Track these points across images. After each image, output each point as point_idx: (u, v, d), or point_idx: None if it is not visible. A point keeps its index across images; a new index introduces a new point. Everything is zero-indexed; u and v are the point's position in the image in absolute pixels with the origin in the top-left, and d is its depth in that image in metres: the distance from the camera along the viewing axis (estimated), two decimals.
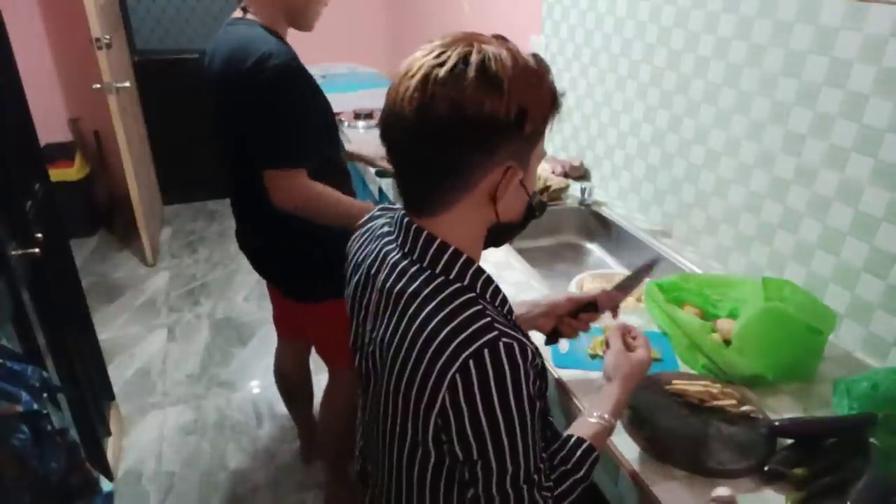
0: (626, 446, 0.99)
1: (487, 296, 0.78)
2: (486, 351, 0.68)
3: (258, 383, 2.57)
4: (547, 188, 1.91)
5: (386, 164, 1.91)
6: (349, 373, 1.73)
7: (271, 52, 1.30)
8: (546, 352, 1.18)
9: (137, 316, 3.01)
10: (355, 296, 0.87)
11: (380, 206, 0.95)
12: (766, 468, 0.93)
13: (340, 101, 1.53)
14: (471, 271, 0.77)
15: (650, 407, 1.05)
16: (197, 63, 3.96)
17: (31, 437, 1.08)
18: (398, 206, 0.94)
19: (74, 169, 3.54)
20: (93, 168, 3.82)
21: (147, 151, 3.87)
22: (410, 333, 0.73)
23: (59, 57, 3.66)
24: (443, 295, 0.73)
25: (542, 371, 0.75)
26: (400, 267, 0.78)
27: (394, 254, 0.80)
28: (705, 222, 1.60)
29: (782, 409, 1.07)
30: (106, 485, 1.33)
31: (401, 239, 0.80)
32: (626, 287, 1.10)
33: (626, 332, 0.99)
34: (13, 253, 1.46)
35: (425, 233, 0.77)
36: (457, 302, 0.72)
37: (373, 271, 0.83)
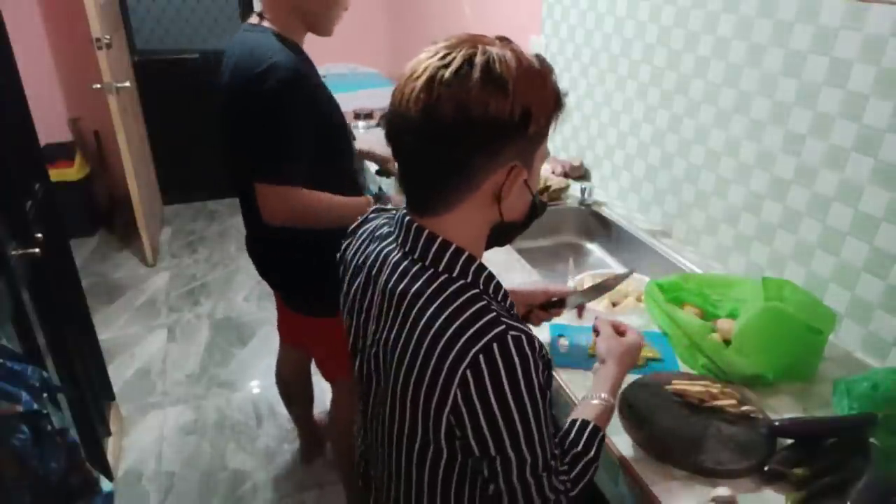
0: (626, 446, 1.00)
1: (490, 291, 0.78)
2: (495, 345, 0.69)
3: (258, 383, 2.57)
4: (547, 188, 1.91)
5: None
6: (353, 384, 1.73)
7: (277, 63, 1.27)
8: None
9: (137, 316, 3.01)
10: (355, 298, 0.87)
11: (373, 207, 0.95)
12: (766, 468, 0.93)
13: (340, 101, 1.52)
14: (473, 268, 0.77)
15: (650, 407, 1.05)
16: (196, 63, 3.97)
17: (31, 437, 1.08)
18: (391, 206, 0.94)
19: (74, 169, 3.54)
20: (93, 168, 3.82)
21: (147, 151, 3.87)
22: (416, 332, 0.73)
23: (59, 57, 3.66)
24: (447, 292, 0.74)
25: (548, 361, 0.77)
26: (402, 267, 0.78)
27: (395, 254, 0.80)
28: (705, 222, 1.60)
29: (782, 409, 1.07)
30: (106, 485, 1.33)
31: (401, 239, 0.80)
32: (594, 292, 1.16)
33: (614, 323, 1.03)
34: (13, 253, 1.46)
35: (427, 231, 0.77)
36: (462, 298, 0.73)
37: (374, 272, 0.83)
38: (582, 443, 0.84)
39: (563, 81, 2.13)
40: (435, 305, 0.73)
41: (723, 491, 0.88)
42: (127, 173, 3.15)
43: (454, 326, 0.71)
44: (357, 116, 2.86)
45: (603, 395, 0.90)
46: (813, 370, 1.15)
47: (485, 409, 0.70)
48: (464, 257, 0.77)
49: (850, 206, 1.21)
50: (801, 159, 1.30)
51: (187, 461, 2.17)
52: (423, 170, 0.75)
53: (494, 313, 0.72)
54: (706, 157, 1.56)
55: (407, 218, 0.79)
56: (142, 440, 2.26)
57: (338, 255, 0.96)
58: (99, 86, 2.92)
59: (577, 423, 0.86)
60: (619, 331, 1.02)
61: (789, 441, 0.97)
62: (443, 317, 0.72)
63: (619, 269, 1.75)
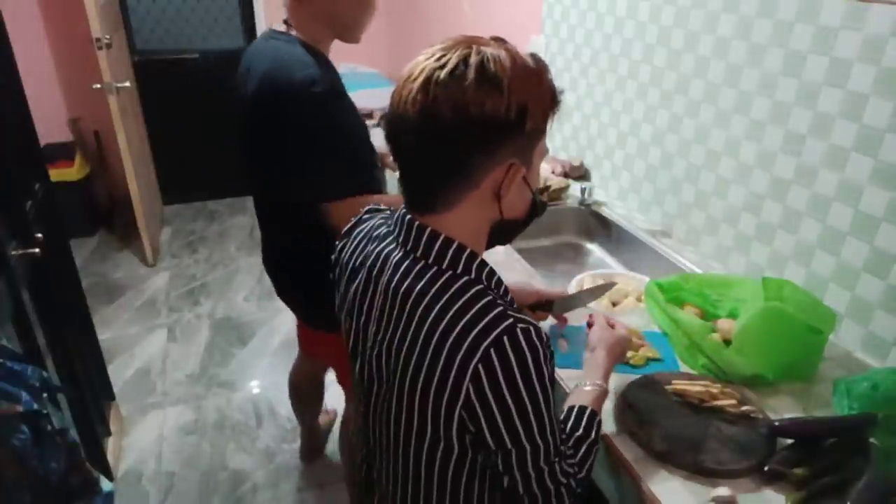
0: (626, 446, 1.00)
1: (493, 286, 0.79)
2: (505, 338, 0.70)
3: (258, 383, 2.57)
4: (547, 188, 1.91)
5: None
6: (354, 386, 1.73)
7: (313, 78, 1.23)
8: None
9: (137, 316, 3.01)
10: (354, 300, 0.87)
11: (367, 208, 0.96)
12: (766, 468, 0.93)
13: None
14: (475, 264, 0.78)
15: (650, 407, 1.05)
16: (196, 63, 3.97)
17: (31, 437, 1.08)
18: (384, 207, 0.94)
19: (74, 169, 3.54)
20: (93, 168, 3.81)
21: (147, 151, 3.87)
22: (423, 331, 0.74)
23: (59, 57, 3.66)
24: (452, 289, 0.74)
25: (552, 352, 0.78)
26: (404, 266, 0.78)
27: (395, 254, 0.80)
28: (705, 222, 1.60)
29: (782, 409, 1.07)
30: (106, 485, 1.33)
31: (402, 238, 0.80)
32: (579, 300, 1.19)
33: (607, 318, 1.08)
34: (13, 253, 1.46)
35: (429, 229, 0.78)
36: (468, 294, 0.74)
37: (374, 273, 0.83)
38: (583, 426, 0.87)
39: (563, 81, 2.14)
40: (441, 303, 0.74)
41: (723, 491, 0.88)
42: (127, 173, 3.15)
43: (462, 322, 0.71)
44: None
45: (597, 382, 0.94)
46: (813, 370, 1.15)
47: (498, 402, 0.71)
48: (466, 253, 0.77)
49: (850, 206, 1.21)
50: (801, 159, 1.30)
51: (187, 461, 2.17)
52: (423, 169, 0.76)
53: (501, 307, 0.73)
54: (706, 157, 1.56)
55: (408, 217, 0.80)
56: (142, 440, 2.26)
57: (332, 257, 0.96)
58: (99, 86, 2.92)
59: (576, 409, 0.90)
60: (610, 324, 1.07)
61: (789, 441, 0.97)
62: (450, 313, 0.73)
63: (619, 269, 1.75)
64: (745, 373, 1.10)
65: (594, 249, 1.90)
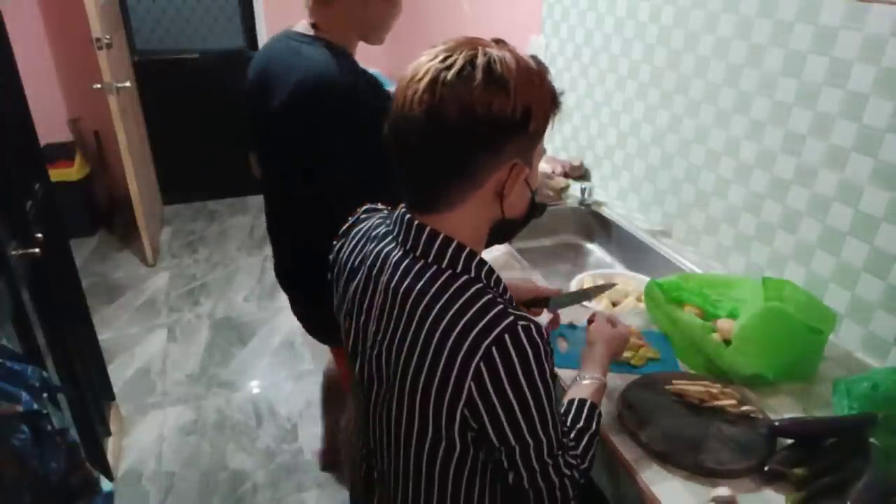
0: (626, 446, 1.00)
1: (492, 285, 0.79)
2: (506, 336, 0.70)
3: (258, 383, 2.57)
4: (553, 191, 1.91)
5: None
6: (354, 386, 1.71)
7: (357, 85, 1.21)
8: None
9: (137, 316, 3.01)
10: (354, 300, 0.87)
11: (364, 208, 0.96)
12: (766, 468, 0.93)
13: None
14: (475, 262, 0.78)
15: (650, 407, 1.05)
16: (196, 63, 3.97)
17: (31, 437, 1.08)
18: (380, 206, 0.95)
19: (74, 169, 3.54)
20: (93, 168, 3.81)
21: (147, 151, 3.87)
22: (424, 330, 0.74)
23: (59, 57, 3.66)
24: (453, 288, 0.75)
25: (552, 348, 0.79)
26: (403, 265, 0.79)
27: (395, 253, 0.81)
28: (705, 222, 1.60)
29: (782, 409, 1.07)
30: (106, 485, 1.32)
31: (402, 237, 0.80)
32: (575, 298, 1.18)
33: (608, 316, 1.09)
34: (13, 253, 1.46)
35: (429, 229, 0.78)
36: (468, 293, 0.74)
37: (374, 272, 0.83)
38: (583, 418, 0.88)
39: (563, 81, 2.14)
40: (441, 302, 0.74)
41: (723, 491, 0.88)
42: (127, 173, 3.15)
43: (463, 321, 0.72)
44: None
45: (595, 375, 0.95)
46: (813, 370, 1.15)
47: (501, 400, 0.72)
48: (466, 252, 0.78)
49: (850, 206, 1.21)
50: (801, 159, 1.30)
51: (187, 461, 2.17)
52: (428, 169, 0.77)
53: (502, 306, 0.73)
54: (706, 157, 1.56)
55: (407, 216, 0.80)
56: (142, 440, 2.26)
57: (330, 257, 0.96)
58: (99, 86, 2.92)
59: (576, 402, 0.91)
60: (611, 323, 1.08)
61: (789, 441, 0.97)
62: (451, 312, 0.73)
63: (619, 269, 1.75)
64: (745, 373, 1.10)
65: (594, 249, 1.90)
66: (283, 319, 2.93)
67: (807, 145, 1.28)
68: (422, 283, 0.76)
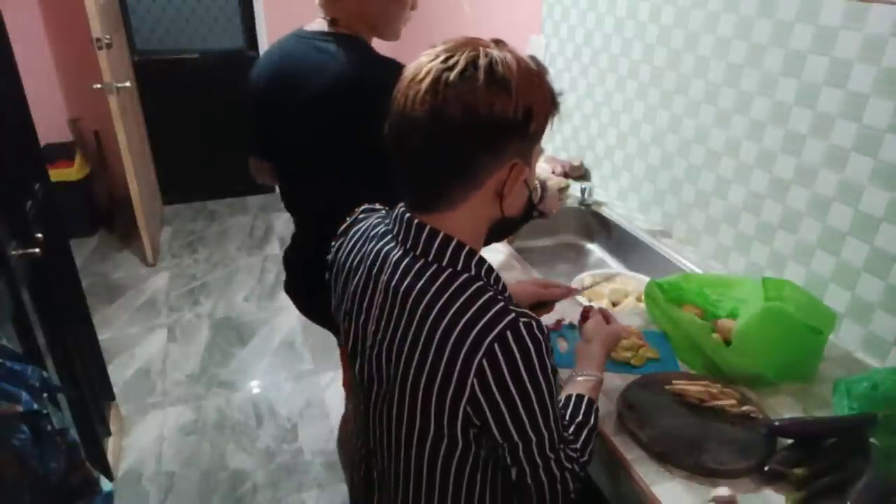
0: (626, 446, 1.00)
1: (492, 282, 0.79)
2: (508, 332, 0.71)
3: (258, 383, 2.57)
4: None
5: None
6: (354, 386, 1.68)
7: (391, 76, 1.22)
8: None
9: (137, 316, 3.01)
10: (353, 299, 0.87)
11: (363, 208, 0.96)
12: (766, 468, 0.93)
13: None
14: (475, 261, 0.78)
15: (650, 407, 1.05)
16: (196, 63, 3.96)
17: (31, 437, 1.08)
18: (378, 206, 0.95)
19: (74, 169, 3.53)
20: (93, 168, 3.81)
21: (147, 151, 3.87)
22: (425, 329, 0.74)
23: (59, 57, 3.66)
24: (453, 287, 0.75)
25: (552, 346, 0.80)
26: (403, 264, 0.79)
27: (395, 252, 0.81)
28: (705, 222, 1.60)
29: (782, 409, 1.07)
30: (106, 485, 1.32)
31: (402, 236, 0.80)
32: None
33: (603, 312, 1.11)
34: (13, 253, 1.46)
35: (428, 227, 0.78)
36: (469, 291, 0.75)
37: (374, 272, 0.83)
38: (582, 413, 0.89)
39: (563, 81, 2.14)
40: (442, 300, 0.74)
41: (723, 491, 0.88)
42: (127, 173, 3.15)
43: (465, 319, 0.72)
44: None
45: (592, 372, 0.97)
46: (813, 370, 1.15)
47: (503, 396, 0.72)
48: (465, 251, 0.78)
49: (850, 206, 1.21)
50: (801, 159, 1.30)
51: (187, 461, 2.17)
52: (430, 169, 0.77)
53: (503, 303, 0.74)
54: (706, 157, 1.56)
55: (407, 215, 0.80)
56: (142, 440, 2.26)
57: (328, 257, 0.96)
58: (99, 86, 2.91)
59: (574, 397, 0.92)
60: (605, 317, 1.10)
61: (789, 441, 0.97)
62: (452, 311, 0.73)
63: (619, 269, 1.74)
64: (745, 373, 1.10)
65: (594, 249, 1.90)
66: (283, 319, 2.93)
67: (807, 145, 1.28)
68: (422, 281, 0.76)
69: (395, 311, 0.78)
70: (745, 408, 1.03)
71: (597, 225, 1.90)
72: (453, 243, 0.78)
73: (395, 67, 1.20)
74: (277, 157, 1.45)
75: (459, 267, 0.77)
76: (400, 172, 0.80)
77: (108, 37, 2.87)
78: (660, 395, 1.08)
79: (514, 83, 0.72)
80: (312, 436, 2.26)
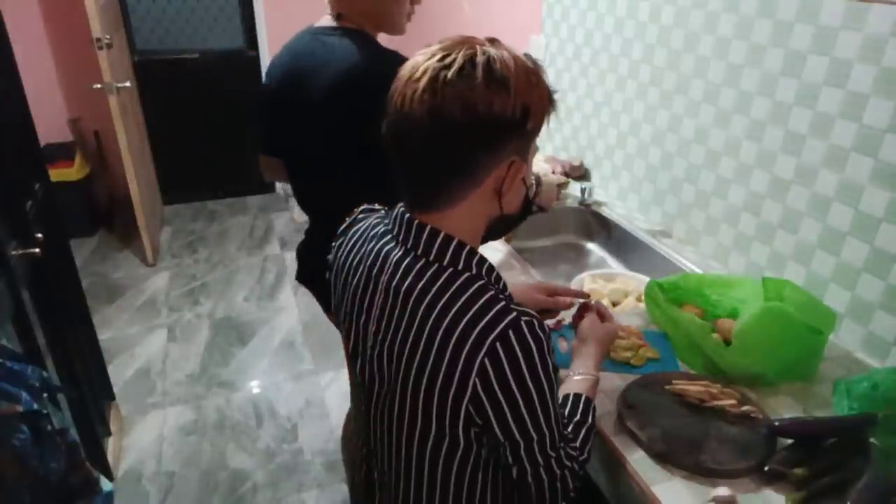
0: (626, 446, 0.99)
1: (493, 281, 0.79)
2: (510, 331, 0.71)
3: (258, 383, 2.57)
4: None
5: None
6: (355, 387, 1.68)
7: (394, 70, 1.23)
8: None
9: (137, 316, 3.01)
10: (354, 299, 0.87)
11: (362, 208, 0.96)
12: (766, 468, 0.93)
13: None
14: (475, 260, 0.79)
15: (650, 407, 1.05)
16: (196, 63, 3.96)
17: (31, 437, 1.08)
18: (378, 206, 0.95)
19: (74, 169, 3.53)
20: (93, 168, 3.81)
21: (147, 151, 3.87)
22: (427, 329, 0.74)
23: (59, 57, 3.66)
24: (455, 286, 0.75)
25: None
26: (404, 264, 0.79)
27: (395, 252, 0.81)
28: (705, 222, 1.60)
29: (782, 409, 1.07)
30: (106, 485, 1.32)
31: (402, 236, 0.80)
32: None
33: (599, 310, 1.11)
34: (13, 253, 1.46)
35: (429, 227, 0.78)
36: (470, 290, 0.75)
37: (374, 272, 0.83)
38: (580, 411, 0.90)
39: (563, 81, 2.14)
40: (443, 300, 0.74)
41: (723, 491, 0.88)
42: (127, 173, 3.15)
43: (466, 318, 0.72)
44: None
45: (589, 371, 0.97)
46: (813, 370, 1.15)
47: (506, 395, 0.72)
48: (466, 250, 0.78)
49: (850, 206, 1.21)
50: (801, 159, 1.30)
51: (187, 461, 2.17)
52: (429, 168, 0.77)
53: (504, 302, 0.74)
54: (706, 157, 1.56)
55: (407, 215, 0.80)
56: (142, 440, 2.26)
57: (328, 258, 0.96)
58: (99, 86, 2.92)
59: (572, 396, 0.92)
60: (601, 315, 1.09)
61: (789, 441, 0.97)
62: (453, 310, 0.73)
63: (619, 269, 1.75)
64: (745, 373, 1.10)
65: (594, 249, 1.90)
66: (283, 319, 2.93)
67: (807, 145, 1.28)
68: (423, 281, 0.76)
69: (396, 310, 0.78)
70: (745, 408, 1.03)
71: (597, 225, 1.90)
72: (454, 243, 0.78)
73: (398, 61, 1.21)
74: (287, 154, 1.46)
75: (460, 266, 0.77)
76: (398, 172, 0.79)
77: (108, 37, 2.87)
78: (660, 395, 1.08)
79: (513, 81, 0.72)
80: (312, 436, 2.26)
